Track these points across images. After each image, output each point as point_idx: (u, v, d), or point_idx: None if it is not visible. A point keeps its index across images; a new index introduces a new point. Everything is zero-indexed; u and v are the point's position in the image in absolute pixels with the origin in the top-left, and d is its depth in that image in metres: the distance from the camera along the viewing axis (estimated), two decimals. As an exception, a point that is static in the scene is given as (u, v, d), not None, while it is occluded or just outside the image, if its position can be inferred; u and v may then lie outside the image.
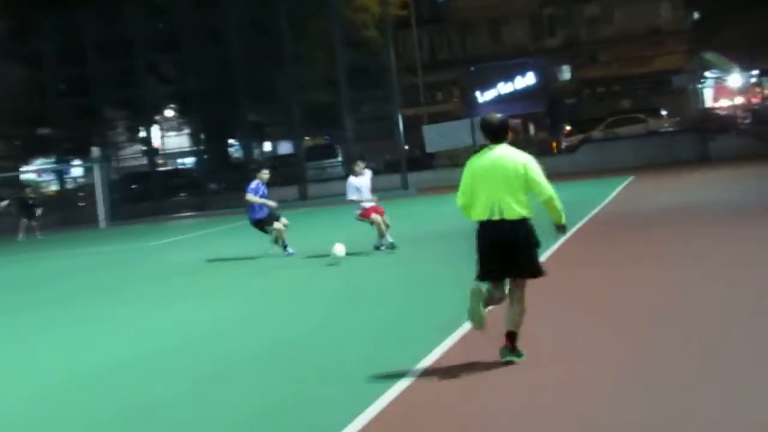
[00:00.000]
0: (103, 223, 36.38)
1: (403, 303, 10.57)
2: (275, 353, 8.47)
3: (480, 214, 7.38)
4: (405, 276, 12.96)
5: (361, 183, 15.66)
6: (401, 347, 8.16)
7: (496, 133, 7.40)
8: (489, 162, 7.36)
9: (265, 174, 16.43)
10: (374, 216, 15.61)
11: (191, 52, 42.72)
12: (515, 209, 7.25)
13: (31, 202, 32.85)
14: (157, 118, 47.31)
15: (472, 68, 59.90)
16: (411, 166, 40.25)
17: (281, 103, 42.98)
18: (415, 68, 54.95)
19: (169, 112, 49.40)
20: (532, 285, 7.46)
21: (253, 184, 16.20)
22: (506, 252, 7.31)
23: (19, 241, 30.89)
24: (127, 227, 34.58)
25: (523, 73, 59.08)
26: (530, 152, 7.76)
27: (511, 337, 7.40)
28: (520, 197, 7.25)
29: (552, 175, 7.69)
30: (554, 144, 48.54)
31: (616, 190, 26.21)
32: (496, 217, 7.27)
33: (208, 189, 42.66)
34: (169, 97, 47.26)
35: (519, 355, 7.40)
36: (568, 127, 51.26)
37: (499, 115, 7.56)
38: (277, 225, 16.41)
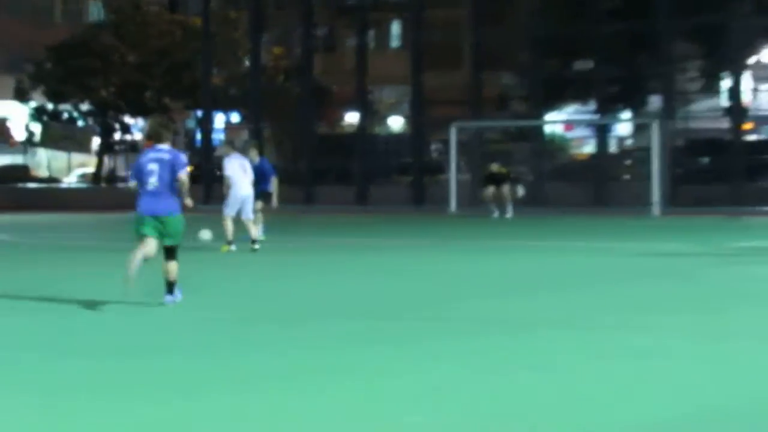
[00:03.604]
0: (656, 209, 36.15)
1: None
2: None
3: None
4: None
5: None
6: None
7: None
8: None
9: None
10: None
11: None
12: None
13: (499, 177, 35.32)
14: (750, 62, 45.29)
15: None
16: None
17: None
18: None
19: (766, 56, 46.92)
20: None
21: None
22: None
23: (495, 219, 34.55)
24: (685, 218, 34.50)
25: None
26: None
27: None
28: None
29: None
30: None
31: None
32: None
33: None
34: (768, 33, 45.11)
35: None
36: None
37: None
38: None
